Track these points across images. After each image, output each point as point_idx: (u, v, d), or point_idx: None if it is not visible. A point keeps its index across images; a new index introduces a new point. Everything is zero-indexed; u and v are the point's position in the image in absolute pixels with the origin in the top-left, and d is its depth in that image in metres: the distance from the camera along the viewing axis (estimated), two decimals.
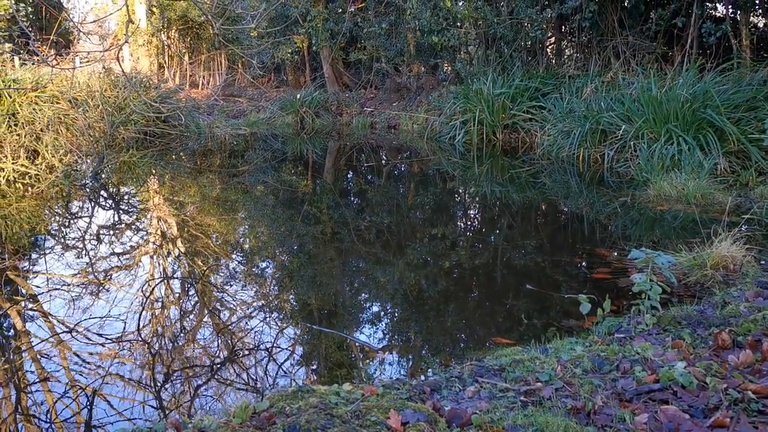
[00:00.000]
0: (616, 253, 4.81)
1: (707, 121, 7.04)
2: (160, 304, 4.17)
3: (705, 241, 4.25)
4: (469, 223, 6.65)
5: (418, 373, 3.12)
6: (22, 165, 7.73)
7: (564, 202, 6.83)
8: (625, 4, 10.43)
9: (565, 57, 12.36)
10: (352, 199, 7.77)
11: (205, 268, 4.86)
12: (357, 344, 3.51)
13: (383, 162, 10.40)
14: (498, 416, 2.24)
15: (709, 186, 6.03)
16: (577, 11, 10.47)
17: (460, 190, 8.21)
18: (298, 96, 14.33)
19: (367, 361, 3.33)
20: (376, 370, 3.21)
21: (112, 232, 5.93)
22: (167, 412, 2.78)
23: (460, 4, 12.54)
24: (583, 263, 4.74)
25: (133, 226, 6.28)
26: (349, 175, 9.50)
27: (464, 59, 12.66)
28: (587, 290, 3.83)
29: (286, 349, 3.47)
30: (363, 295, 4.49)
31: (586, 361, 2.70)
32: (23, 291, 4.35)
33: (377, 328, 3.83)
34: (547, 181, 7.66)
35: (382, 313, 4.12)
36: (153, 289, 4.42)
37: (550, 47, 12.66)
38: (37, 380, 3.08)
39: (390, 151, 11.32)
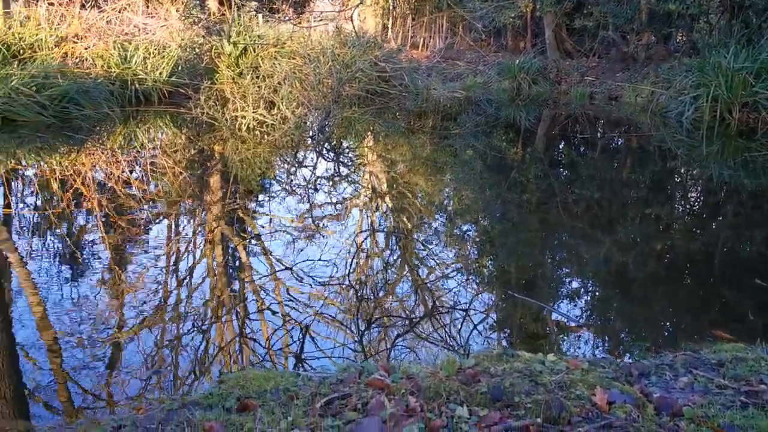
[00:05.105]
0: None
1: None
2: (365, 254, 4.44)
3: None
4: (688, 205, 6.16)
5: (622, 355, 3.02)
6: (261, 114, 8.57)
7: None
8: None
9: None
10: (562, 170, 7.56)
11: (409, 225, 5.08)
12: (553, 318, 3.47)
13: (599, 134, 9.94)
14: (713, 412, 2.10)
15: None
16: None
17: (682, 171, 7.61)
18: (517, 61, 14.08)
19: (565, 335, 3.29)
20: (571, 345, 3.16)
21: (329, 183, 6.39)
22: (366, 356, 2.97)
23: None
24: None
25: (348, 179, 6.70)
26: (560, 146, 9.23)
27: (703, 29, 11.55)
28: None
29: (482, 312, 3.53)
30: (564, 268, 4.40)
31: None
32: (249, 229, 4.88)
33: (577, 304, 3.74)
34: None
35: (584, 289, 4.01)
36: (361, 239, 4.72)
37: None
38: (257, 311, 3.45)
39: (608, 124, 10.78)
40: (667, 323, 3.48)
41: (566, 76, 14.02)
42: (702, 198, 6.47)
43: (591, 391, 2.01)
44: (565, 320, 3.43)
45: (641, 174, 7.14)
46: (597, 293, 3.97)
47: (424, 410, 1.78)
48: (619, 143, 9.21)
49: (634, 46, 13.60)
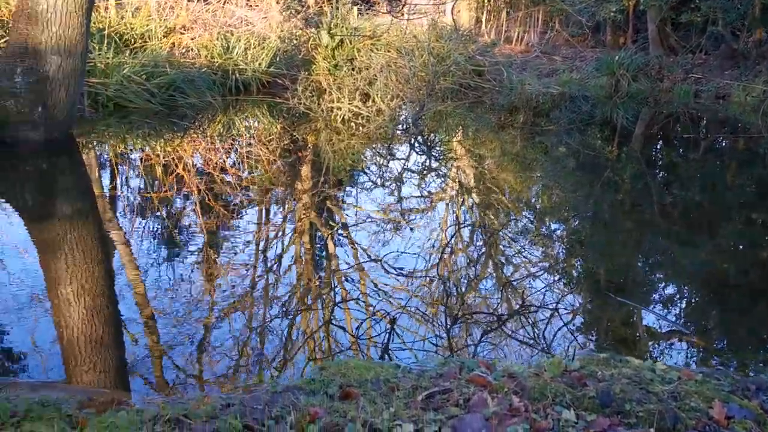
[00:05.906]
0: None
1: None
2: (450, 249, 4.41)
3: None
4: None
5: (723, 365, 2.87)
6: (356, 106, 8.67)
7: None
8: None
9: None
10: (659, 171, 7.26)
11: (496, 221, 5.01)
12: (645, 323, 3.33)
13: (702, 135, 9.47)
14: None
15: None
16: None
17: None
18: (617, 57, 13.57)
19: (657, 341, 3.16)
20: (664, 353, 3.03)
21: (418, 176, 6.39)
22: (452, 351, 2.94)
23: None
24: None
25: (437, 172, 6.68)
26: (659, 146, 8.86)
27: None
28: None
29: (570, 312, 3.42)
30: (659, 273, 4.22)
31: None
32: (337, 218, 4.94)
33: (673, 311, 3.58)
34: None
35: (681, 295, 3.84)
36: (448, 234, 4.69)
37: None
38: (341, 300, 3.48)
39: (713, 124, 10.25)
40: None
41: (669, 73, 13.39)
42: None
43: (707, 403, 1.91)
44: (659, 327, 3.28)
45: (747, 177, 6.76)
46: (696, 300, 3.79)
47: (529, 411, 1.75)
48: (725, 144, 8.75)
49: (744, 43, 12.87)
